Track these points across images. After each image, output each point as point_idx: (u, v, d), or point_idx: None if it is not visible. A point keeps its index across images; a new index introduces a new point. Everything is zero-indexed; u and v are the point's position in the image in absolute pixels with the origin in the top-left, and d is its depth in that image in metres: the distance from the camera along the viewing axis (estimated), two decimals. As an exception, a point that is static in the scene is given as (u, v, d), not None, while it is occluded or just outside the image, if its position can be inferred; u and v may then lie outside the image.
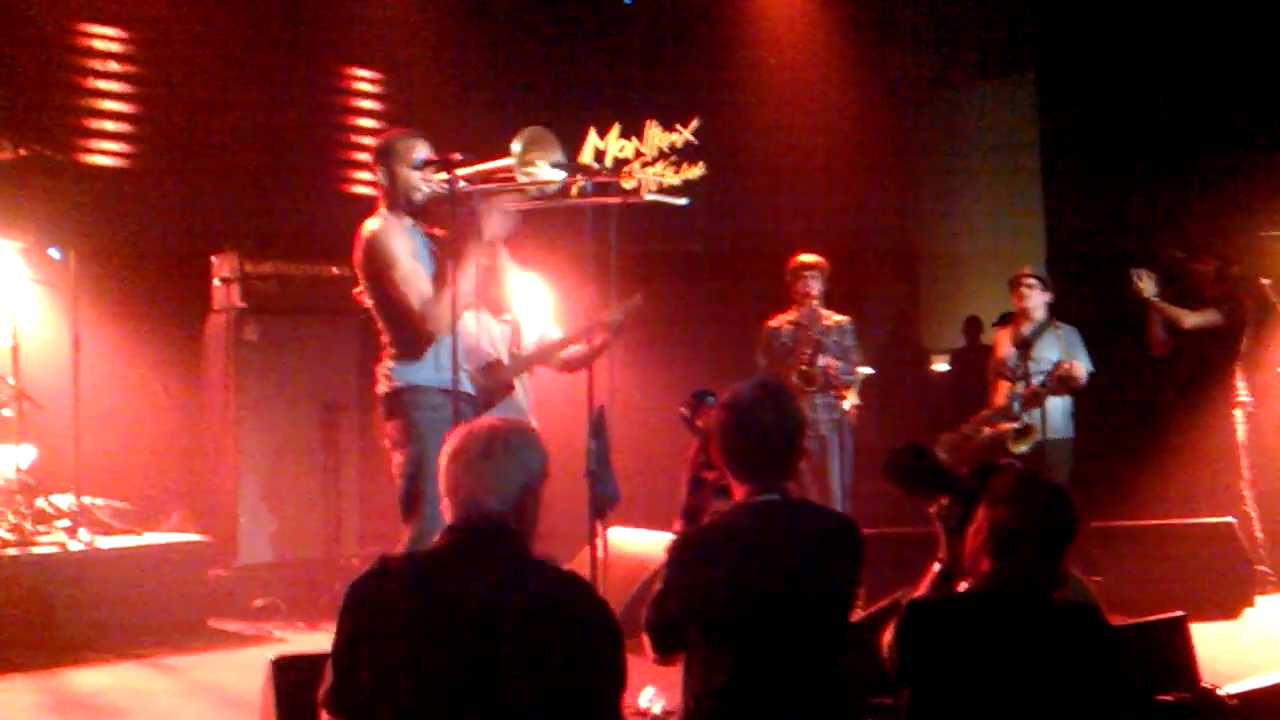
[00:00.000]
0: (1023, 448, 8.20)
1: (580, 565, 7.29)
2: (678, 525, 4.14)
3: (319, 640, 7.43)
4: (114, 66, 9.28)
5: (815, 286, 8.38)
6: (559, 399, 7.12)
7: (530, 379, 6.70)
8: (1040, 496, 3.57)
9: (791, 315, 8.43)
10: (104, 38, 9.23)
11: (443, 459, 3.18)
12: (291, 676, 3.42)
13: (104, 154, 9.18)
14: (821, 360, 8.13)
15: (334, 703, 2.99)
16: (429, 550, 3.13)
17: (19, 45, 8.85)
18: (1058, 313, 8.63)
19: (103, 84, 9.28)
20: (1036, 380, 8.22)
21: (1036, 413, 8.20)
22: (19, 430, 7.64)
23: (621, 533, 7.57)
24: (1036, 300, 8.53)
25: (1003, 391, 8.50)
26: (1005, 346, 8.61)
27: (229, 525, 8.38)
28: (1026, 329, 8.50)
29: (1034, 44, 10.50)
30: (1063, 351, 8.35)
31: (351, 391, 8.75)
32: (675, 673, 3.83)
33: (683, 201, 5.60)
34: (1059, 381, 8.13)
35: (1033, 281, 8.54)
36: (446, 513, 3.14)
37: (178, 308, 8.98)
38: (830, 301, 8.49)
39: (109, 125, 9.20)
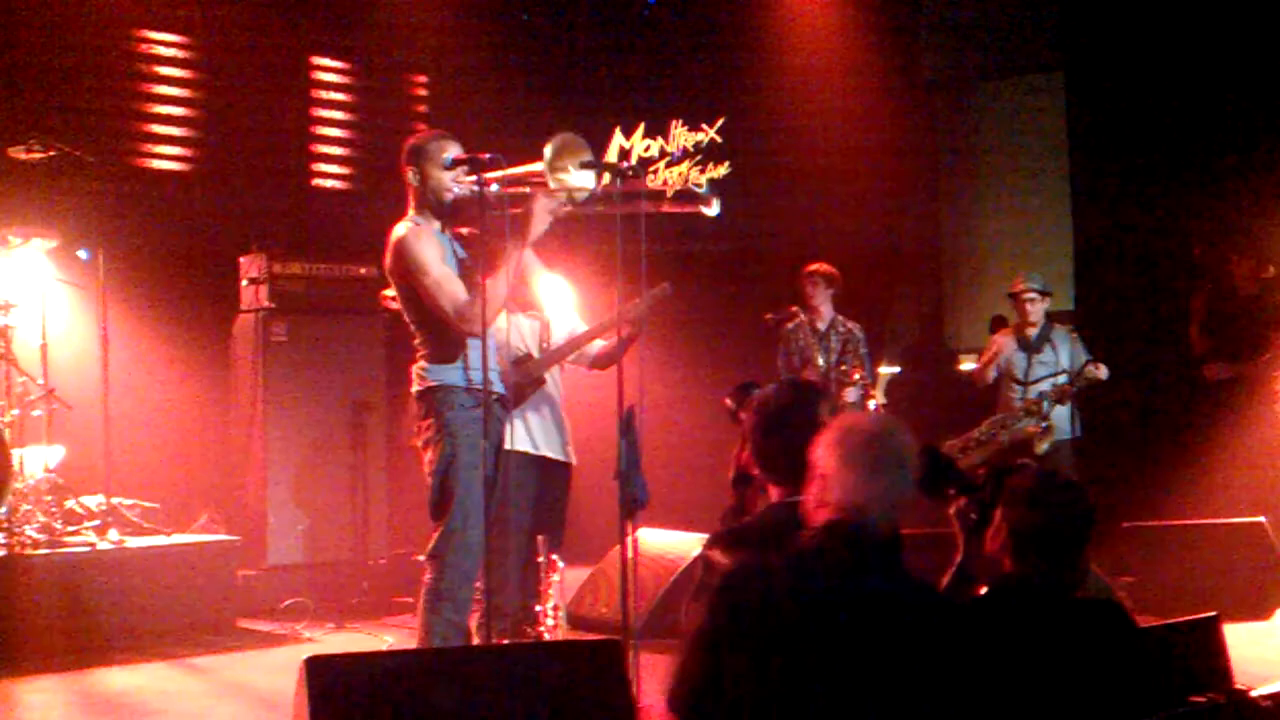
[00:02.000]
0: (1044, 447, 8.27)
1: (610, 565, 7.31)
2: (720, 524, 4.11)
3: (348, 640, 7.45)
4: (144, 68, 9.31)
5: (818, 293, 8.50)
6: (588, 398, 7.13)
7: (561, 375, 6.71)
8: (1059, 495, 3.59)
9: (804, 318, 8.54)
10: (141, 40, 9.25)
11: (828, 455, 3.16)
12: (325, 676, 3.42)
13: (132, 154, 9.20)
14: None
15: (692, 705, 2.99)
16: (804, 551, 3.10)
17: (50, 47, 8.88)
18: (1090, 313, 8.70)
19: (133, 85, 9.31)
20: (1047, 383, 8.35)
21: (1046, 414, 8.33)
22: (49, 430, 7.67)
23: (651, 533, 7.57)
24: (1039, 309, 8.64)
25: (1007, 395, 8.61)
26: (1008, 351, 8.71)
27: (258, 525, 8.40)
28: (1031, 333, 8.59)
29: (1061, 41, 10.45)
30: (1070, 352, 8.48)
31: (379, 392, 8.76)
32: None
33: (714, 210, 5.57)
34: (1086, 382, 8.21)
35: (1033, 295, 8.66)
36: (822, 509, 3.13)
37: (206, 308, 9.01)
38: (855, 302, 8.55)
39: (138, 126, 9.22)
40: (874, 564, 3.09)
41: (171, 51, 9.34)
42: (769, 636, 2.97)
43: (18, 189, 7.97)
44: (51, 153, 7.51)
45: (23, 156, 7.51)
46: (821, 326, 8.51)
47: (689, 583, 5.88)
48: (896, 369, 8.35)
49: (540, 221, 5.43)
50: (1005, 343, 8.84)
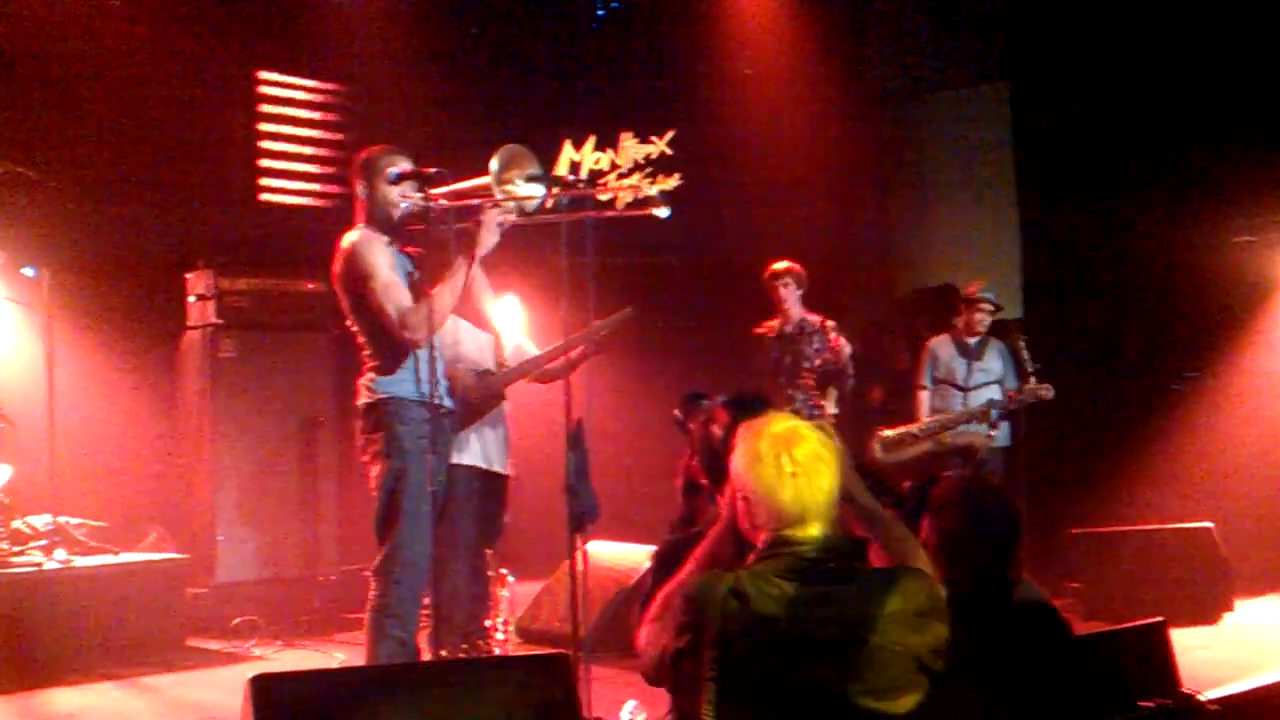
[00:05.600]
0: (978, 454, 8.34)
1: (559, 579, 7.30)
2: (669, 533, 4.11)
3: (298, 658, 7.41)
4: (88, 82, 9.23)
5: (790, 293, 8.39)
6: (533, 411, 7.11)
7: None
8: (982, 501, 3.62)
9: (775, 322, 8.45)
10: (86, 53, 9.17)
11: (745, 475, 3.16)
12: (271, 695, 3.39)
13: (75, 170, 9.12)
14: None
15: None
16: (755, 570, 3.11)
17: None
18: (1037, 320, 8.77)
19: (77, 100, 9.23)
20: (987, 391, 8.41)
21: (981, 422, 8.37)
22: (1, 450, 7.60)
23: (600, 545, 7.57)
24: (988, 320, 8.67)
25: (943, 400, 8.64)
26: (945, 355, 8.72)
27: (207, 543, 8.34)
28: (971, 340, 8.63)
29: (1008, 52, 10.53)
30: (1004, 363, 8.56)
31: (328, 407, 8.72)
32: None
33: (664, 213, 5.59)
34: (1033, 398, 8.28)
35: (988, 306, 8.66)
36: (758, 530, 3.14)
37: (153, 325, 8.94)
38: (810, 308, 8.50)
39: (79, 142, 9.14)
40: (828, 571, 3.09)
41: (118, 66, 9.26)
42: (733, 650, 2.97)
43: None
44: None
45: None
46: (791, 330, 8.41)
47: (639, 595, 5.89)
48: (850, 378, 8.31)
49: (489, 234, 5.43)
50: (941, 346, 8.80)
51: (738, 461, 3.22)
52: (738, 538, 3.29)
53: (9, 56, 8.78)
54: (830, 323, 8.26)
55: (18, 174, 7.59)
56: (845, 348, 8.15)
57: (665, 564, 3.76)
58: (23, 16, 8.78)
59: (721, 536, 3.35)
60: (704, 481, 4.12)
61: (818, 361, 8.17)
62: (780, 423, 3.24)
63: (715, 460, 3.86)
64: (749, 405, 3.91)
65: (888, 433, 8.57)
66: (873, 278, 11.27)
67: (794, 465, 3.14)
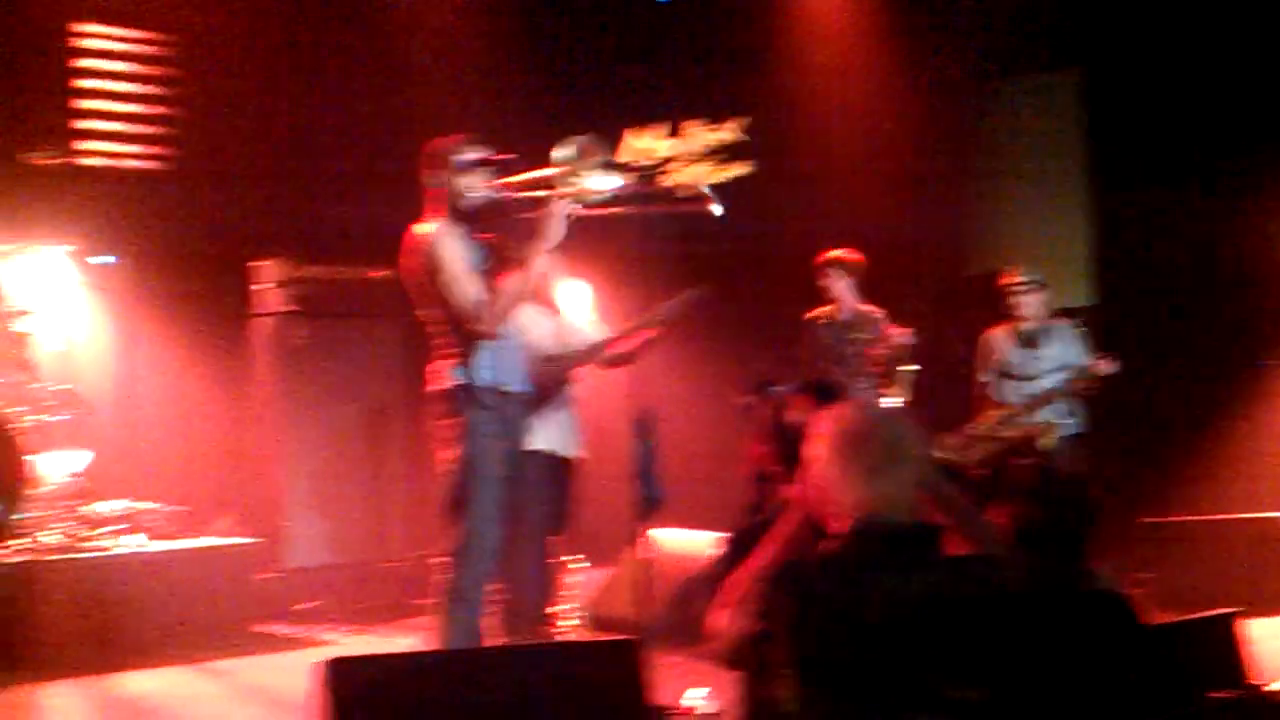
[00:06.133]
0: (1050, 443, 8.19)
1: (627, 565, 7.31)
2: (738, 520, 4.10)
3: (366, 643, 7.47)
4: (157, 71, 9.32)
5: (838, 282, 8.30)
6: (601, 396, 7.12)
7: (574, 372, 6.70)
8: (1061, 489, 3.59)
9: (828, 309, 8.38)
10: (146, 42, 9.27)
11: (828, 464, 3.16)
12: (346, 678, 3.41)
13: (148, 159, 9.22)
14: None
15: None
16: (837, 556, 3.11)
17: (64, 56, 8.91)
18: (1109, 309, 8.60)
19: (147, 89, 9.32)
20: (1049, 379, 8.24)
21: (1048, 410, 8.23)
22: (73, 435, 7.70)
23: (667, 533, 7.57)
24: (1033, 302, 8.46)
25: (1005, 391, 8.47)
26: (1003, 346, 8.53)
27: (277, 528, 8.41)
28: (1028, 327, 8.45)
29: (1081, 37, 10.42)
30: (1070, 349, 8.35)
31: (397, 394, 8.77)
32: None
33: (718, 210, 5.57)
34: (1090, 378, 8.12)
35: (1025, 288, 8.46)
36: (838, 518, 3.13)
37: (222, 312, 9.02)
38: (875, 301, 8.42)
39: (157, 130, 9.23)
40: (912, 559, 3.08)
41: (180, 54, 9.35)
42: (814, 636, 2.98)
43: (37, 195, 8.01)
44: (67, 158, 7.55)
45: (41, 163, 7.56)
46: (845, 318, 8.36)
47: (707, 582, 5.88)
48: (917, 367, 8.22)
49: (558, 224, 5.44)
50: (997, 336, 8.65)
51: (816, 449, 3.21)
52: (813, 525, 3.28)
53: (79, 49, 8.90)
54: (881, 312, 8.19)
55: (89, 162, 7.66)
56: (901, 337, 8.05)
57: (736, 551, 3.76)
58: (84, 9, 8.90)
59: (797, 523, 3.35)
60: (775, 469, 4.11)
61: (878, 350, 8.09)
62: (859, 410, 3.23)
63: (789, 448, 3.85)
64: (824, 392, 3.90)
65: (951, 439, 8.45)
66: (942, 266, 11.18)
67: (874, 453, 3.13)
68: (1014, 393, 8.43)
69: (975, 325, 8.85)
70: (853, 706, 2.99)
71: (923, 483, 3.23)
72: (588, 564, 7.45)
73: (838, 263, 8.32)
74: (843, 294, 8.30)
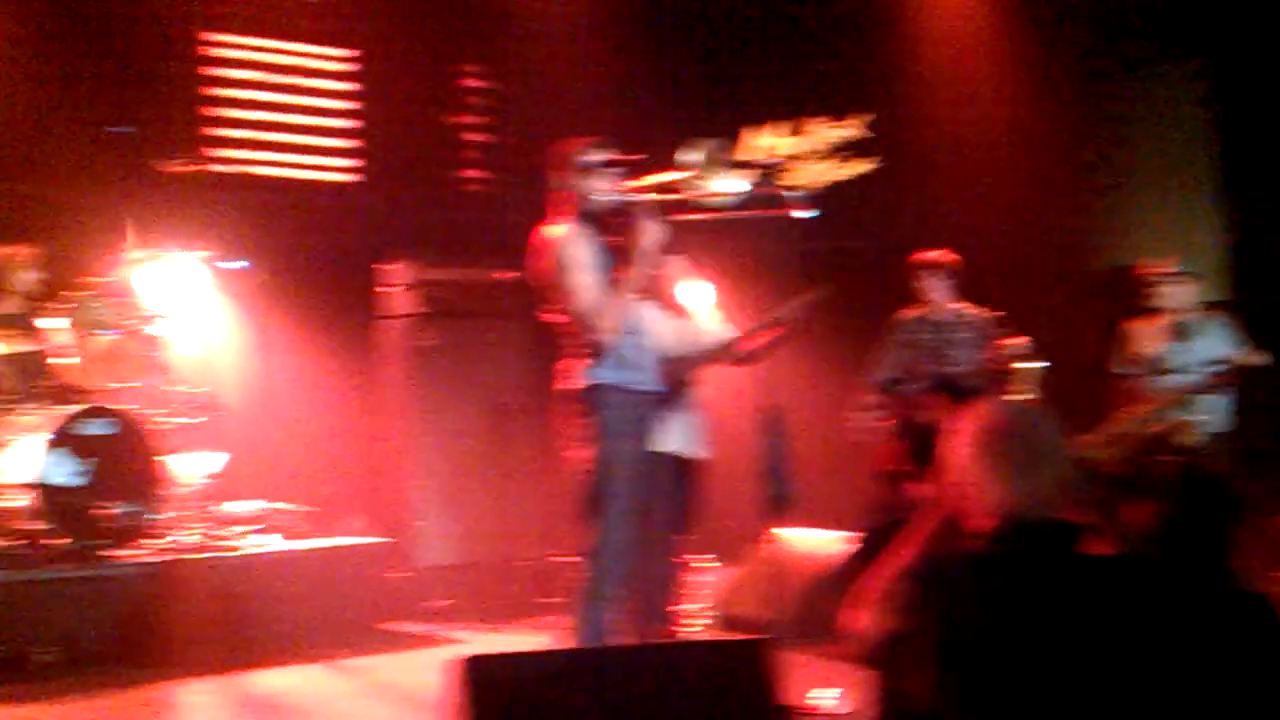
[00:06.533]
0: (1196, 439, 8.00)
1: (757, 564, 7.28)
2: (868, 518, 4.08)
3: (496, 642, 7.52)
4: (292, 82, 9.47)
5: (930, 283, 8.17)
6: (728, 397, 7.10)
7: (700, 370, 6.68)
8: (1204, 486, 3.53)
9: (919, 309, 8.25)
10: (284, 52, 9.42)
11: (972, 463, 3.16)
12: (484, 676, 3.44)
13: (281, 166, 9.38)
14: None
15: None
16: (986, 557, 3.11)
17: (199, 64, 9.09)
18: (1249, 301, 8.39)
19: (277, 98, 9.48)
20: (1195, 374, 8.02)
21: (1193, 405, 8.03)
22: (210, 437, 7.86)
23: (796, 532, 7.53)
24: (1184, 292, 8.26)
25: (1151, 385, 8.26)
26: (1151, 341, 8.32)
27: (407, 528, 8.51)
28: (1171, 321, 8.24)
29: (1206, 28, 10.22)
30: (1220, 341, 8.12)
31: (525, 394, 8.81)
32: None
33: (807, 214, 5.53)
34: (1241, 371, 7.91)
35: (1168, 278, 8.24)
36: (982, 518, 3.13)
37: (349, 315, 9.14)
38: (1002, 298, 8.28)
39: (285, 138, 9.38)
40: (1054, 559, 3.04)
41: (318, 64, 9.49)
42: (962, 635, 2.95)
43: (172, 201, 8.18)
44: (202, 166, 7.71)
45: (176, 170, 7.72)
46: (943, 318, 8.25)
47: (838, 581, 5.84)
48: (1045, 364, 8.07)
49: (678, 226, 5.44)
50: (1136, 330, 8.45)
51: (959, 448, 3.18)
52: (952, 524, 3.25)
53: (214, 58, 9.06)
54: (993, 315, 8.03)
55: (222, 169, 7.82)
56: (1012, 347, 7.86)
57: (869, 550, 3.74)
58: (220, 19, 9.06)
59: (938, 522, 3.31)
60: (905, 468, 4.08)
61: (980, 354, 7.93)
62: (1002, 408, 3.19)
63: (924, 446, 3.82)
64: (962, 390, 3.87)
65: (1090, 437, 8.28)
66: (1070, 261, 11.01)
67: (1018, 452, 3.09)
68: (1161, 386, 8.23)
69: (1106, 320, 8.68)
70: (994, 707, 2.96)
71: (1065, 481, 3.18)
72: (719, 563, 7.44)
73: (929, 264, 8.21)
74: (936, 294, 8.18)
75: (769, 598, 5.45)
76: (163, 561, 7.25)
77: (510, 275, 8.57)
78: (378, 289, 8.84)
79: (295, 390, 8.85)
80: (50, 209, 8.24)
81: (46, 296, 7.58)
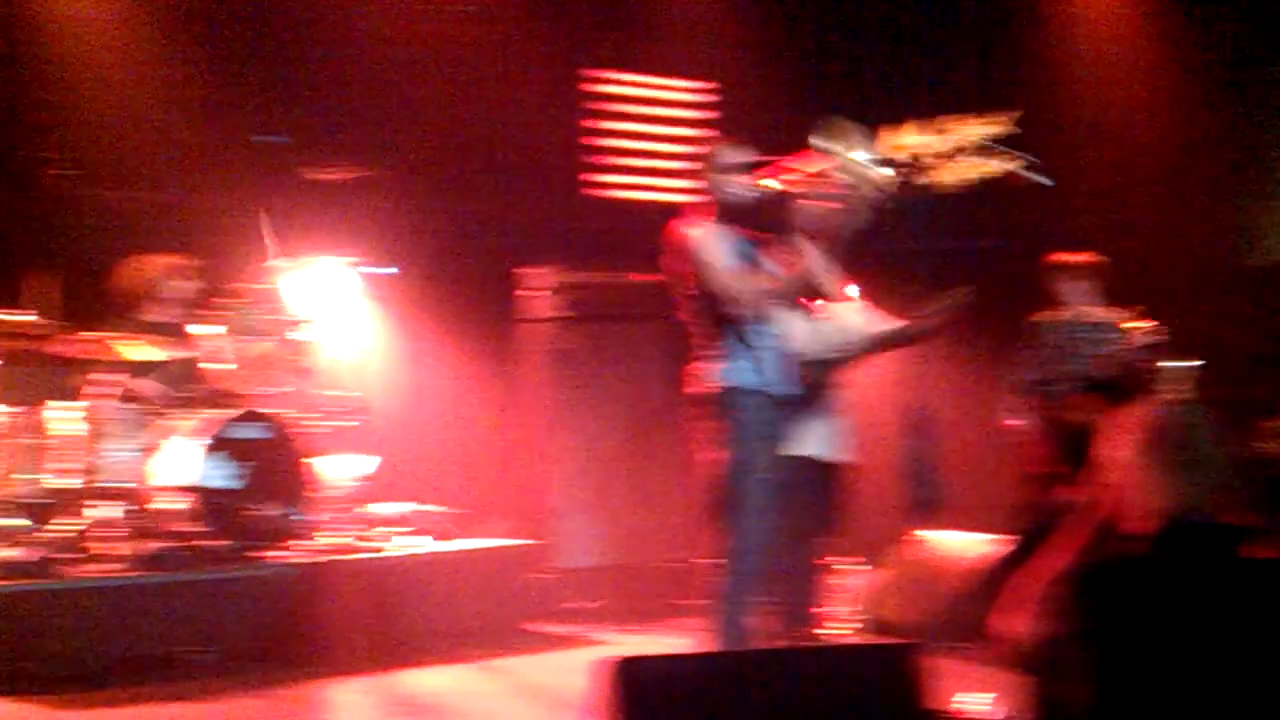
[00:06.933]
0: None
1: (905, 567, 7.21)
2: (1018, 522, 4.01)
3: (637, 643, 7.53)
4: (431, 89, 9.56)
5: (1066, 285, 7.96)
6: (872, 399, 7.04)
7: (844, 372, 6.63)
8: None
9: (1055, 313, 8.06)
10: (427, 58, 9.51)
11: (1133, 459, 3.13)
12: (635, 677, 3.45)
13: (424, 172, 9.47)
14: None
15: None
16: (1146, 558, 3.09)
17: (344, 69, 9.22)
18: None
19: (417, 101, 9.57)
20: None
21: None
22: (360, 441, 7.98)
23: (943, 534, 7.44)
24: None
25: None
26: None
27: (549, 530, 8.56)
28: None
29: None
30: None
31: (664, 396, 8.80)
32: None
33: (1047, 181, 5.44)
34: None
35: None
36: (1141, 519, 3.10)
37: (491, 319, 9.22)
38: (1156, 300, 8.07)
39: (426, 145, 9.47)
40: (1217, 561, 2.97)
41: (461, 70, 9.57)
42: (1123, 637, 2.91)
43: (319, 208, 8.33)
44: (355, 173, 7.84)
45: (322, 177, 7.86)
46: (1089, 319, 8.00)
47: (987, 583, 5.76)
48: (1198, 362, 7.85)
49: (832, 222, 5.40)
50: None
51: (1116, 450, 3.12)
52: (1109, 526, 3.19)
53: (361, 66, 9.19)
54: (1141, 315, 7.81)
55: (370, 176, 7.93)
56: (1145, 337, 7.63)
57: (1021, 552, 3.68)
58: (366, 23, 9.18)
59: (1093, 524, 3.25)
60: (1057, 469, 4.01)
61: (1128, 355, 7.71)
62: (1162, 409, 3.13)
63: (1077, 447, 3.74)
64: (1117, 391, 3.79)
65: (1271, 422, 8.03)
66: (1219, 258, 10.75)
67: (1179, 453, 3.02)
68: None
69: (1266, 316, 8.46)
70: (1154, 714, 2.90)
71: (1226, 483, 3.11)
72: (867, 566, 7.37)
73: (1064, 266, 8.03)
74: (1076, 296, 7.99)
75: (916, 601, 5.39)
76: (313, 563, 7.37)
77: (649, 278, 8.59)
78: (519, 293, 8.91)
79: (439, 394, 8.95)
80: (201, 216, 8.44)
81: (200, 304, 7.75)
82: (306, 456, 7.54)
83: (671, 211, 5.88)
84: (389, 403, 8.29)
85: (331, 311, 8.13)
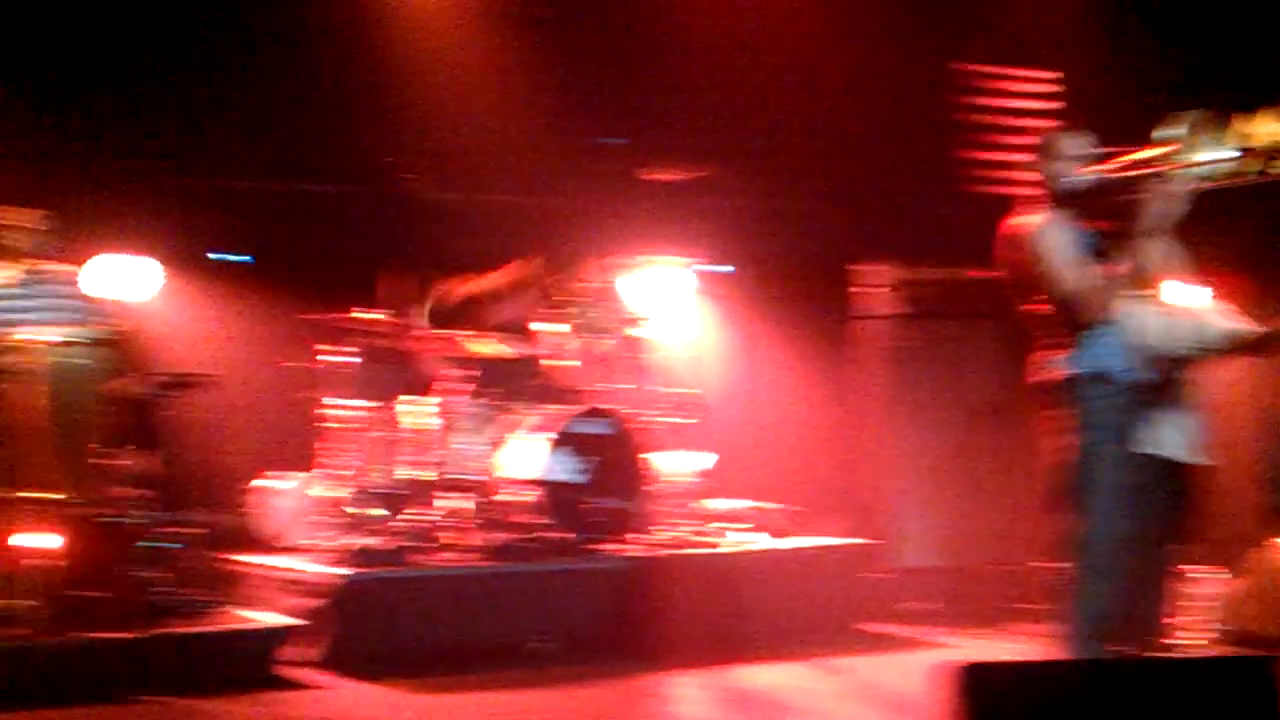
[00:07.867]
0: None
1: (1256, 576, 6.85)
2: None
3: (979, 647, 7.38)
4: (764, 88, 9.60)
5: None
6: (1227, 396, 6.71)
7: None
8: None
9: None
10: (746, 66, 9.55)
11: None
12: (982, 683, 3.38)
13: (762, 176, 9.51)
14: None
15: None
16: None
17: (685, 74, 9.32)
18: None
19: (753, 103, 9.62)
20: None
21: None
22: (699, 438, 8.08)
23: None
24: None
25: None
26: None
27: (889, 529, 8.48)
28: None
29: None
30: None
31: (1002, 394, 8.63)
32: None
33: None
34: None
35: None
36: None
37: (824, 316, 9.19)
38: None
39: (763, 150, 9.51)
40: None
41: (795, 70, 9.56)
42: None
43: (656, 208, 8.48)
44: (684, 173, 7.95)
45: (659, 177, 8.00)
46: None
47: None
48: None
49: (1169, 207, 5.18)
50: None
51: None
52: None
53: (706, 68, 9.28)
54: None
55: (705, 177, 8.03)
56: None
57: None
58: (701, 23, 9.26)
59: None
60: None
61: None
62: None
63: None
64: None
65: None
66: None
67: None
68: None
69: None
70: None
71: None
72: (1224, 574, 7.04)
73: None
74: None
75: (1277, 611, 5.11)
76: (651, 557, 7.50)
77: (985, 274, 8.40)
78: (853, 290, 8.85)
79: (774, 391, 8.98)
80: (546, 218, 8.71)
81: (545, 303, 7.98)
82: (646, 452, 7.68)
83: (1006, 204, 5.74)
84: (725, 400, 8.35)
85: (669, 310, 8.26)
